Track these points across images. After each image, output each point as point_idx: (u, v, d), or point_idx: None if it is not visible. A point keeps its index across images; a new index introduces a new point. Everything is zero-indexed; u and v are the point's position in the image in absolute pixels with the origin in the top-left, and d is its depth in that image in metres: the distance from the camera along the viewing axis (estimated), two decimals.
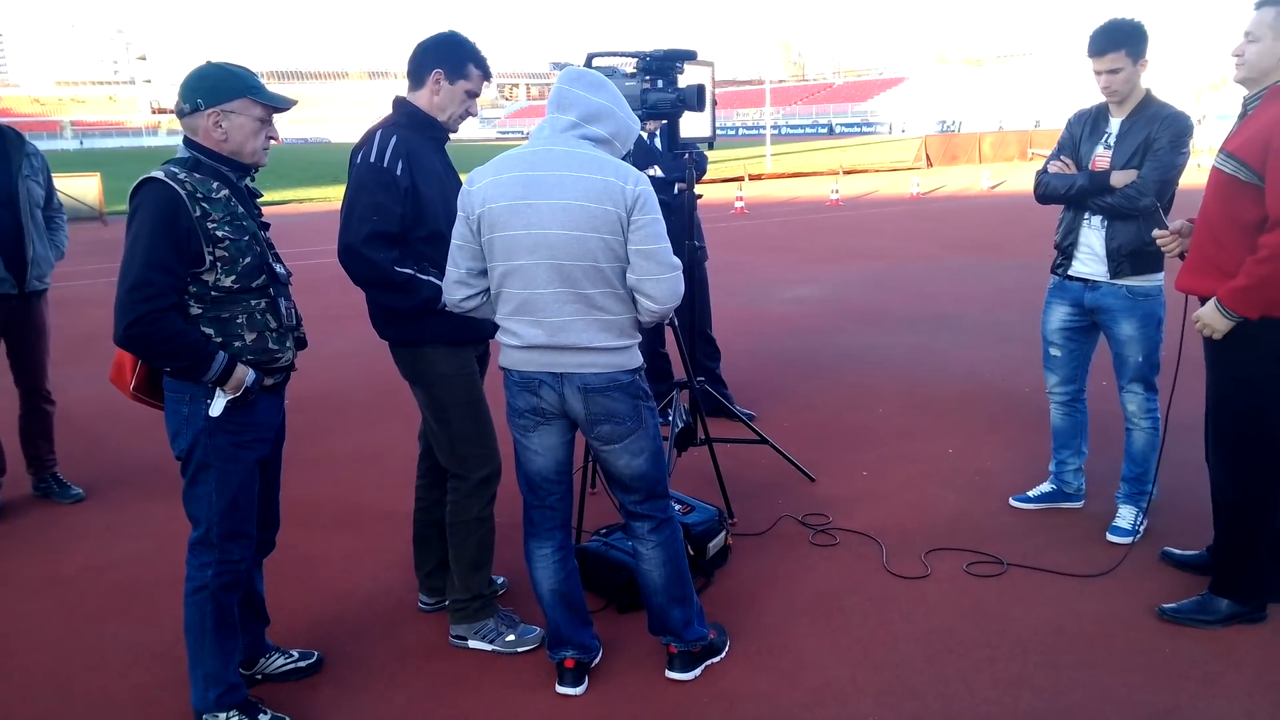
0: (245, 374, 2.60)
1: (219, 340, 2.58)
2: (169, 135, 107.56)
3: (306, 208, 21.66)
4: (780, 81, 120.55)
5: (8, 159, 4.35)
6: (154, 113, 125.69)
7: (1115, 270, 3.71)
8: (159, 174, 2.52)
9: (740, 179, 25.37)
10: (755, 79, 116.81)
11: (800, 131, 79.70)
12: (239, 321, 2.62)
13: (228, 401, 2.59)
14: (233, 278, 2.58)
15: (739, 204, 18.46)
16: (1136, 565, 3.63)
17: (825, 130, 77.57)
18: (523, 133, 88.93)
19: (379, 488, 4.73)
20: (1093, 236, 3.77)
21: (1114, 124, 3.73)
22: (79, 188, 18.17)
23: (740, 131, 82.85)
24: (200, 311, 2.57)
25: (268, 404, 2.74)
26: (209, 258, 2.53)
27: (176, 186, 2.50)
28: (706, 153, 5.09)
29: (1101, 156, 3.73)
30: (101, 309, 9.25)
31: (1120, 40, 3.56)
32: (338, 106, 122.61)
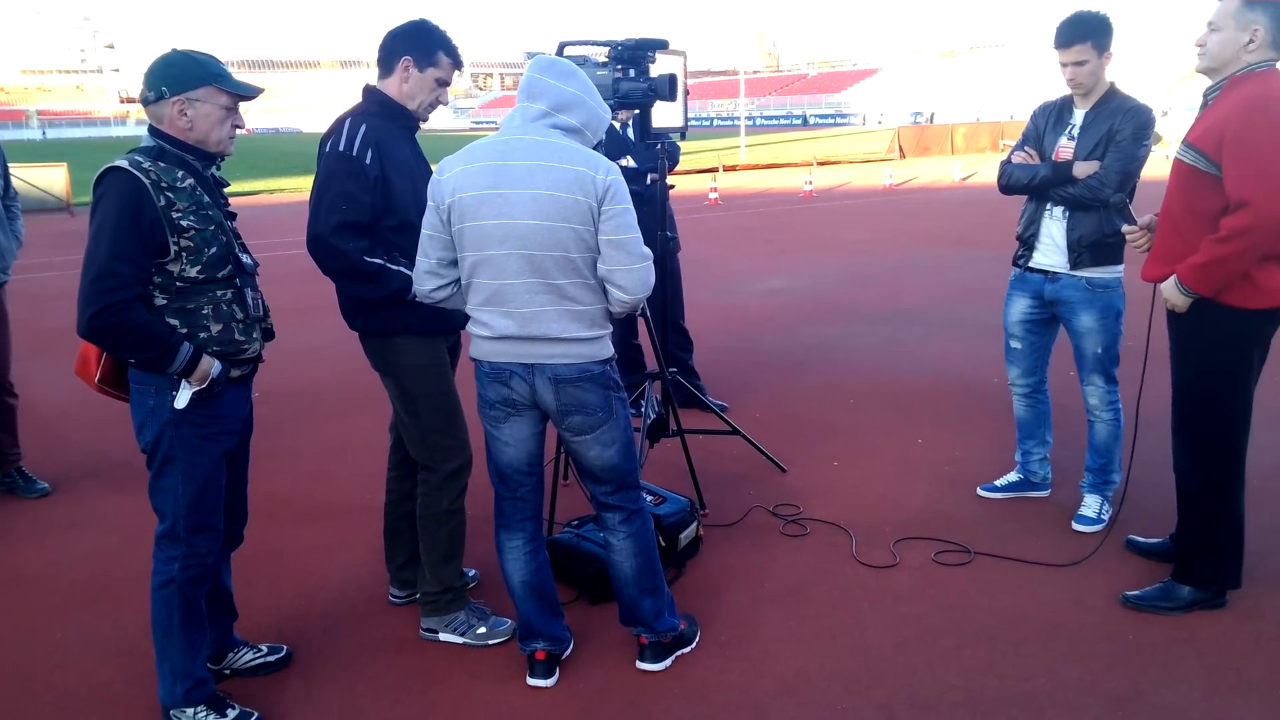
0: (211, 365, 2.58)
1: (184, 331, 2.56)
2: (137, 125, 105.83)
3: (277, 198, 21.44)
4: (755, 72, 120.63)
5: None
6: (122, 102, 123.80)
7: (1075, 261, 3.75)
8: (123, 163, 2.49)
9: (715, 170, 25.38)
10: (730, 69, 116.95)
11: (774, 122, 79.83)
12: (204, 312, 2.59)
13: (193, 393, 2.57)
14: (198, 268, 2.55)
15: (713, 195, 18.48)
16: (1102, 553, 3.67)
17: (799, 121, 77.73)
18: (496, 123, 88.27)
19: (349, 481, 4.71)
20: (1054, 227, 3.81)
21: (1078, 115, 3.77)
22: (45, 178, 17.88)
23: (715, 122, 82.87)
24: (165, 302, 2.54)
25: (235, 396, 2.71)
26: (174, 248, 2.50)
27: (140, 176, 2.47)
28: (679, 143, 5.09)
29: (1065, 147, 3.76)
30: (68, 301, 9.08)
31: (1086, 32, 3.59)
32: (309, 96, 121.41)
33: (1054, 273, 3.84)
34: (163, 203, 2.48)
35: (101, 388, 2.67)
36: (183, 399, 2.56)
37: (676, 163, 5.05)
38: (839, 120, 73.97)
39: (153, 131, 2.60)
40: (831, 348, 7.15)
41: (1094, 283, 3.76)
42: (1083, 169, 3.66)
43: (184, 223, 2.51)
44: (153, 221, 2.46)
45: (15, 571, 3.83)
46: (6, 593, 3.65)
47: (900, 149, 31.59)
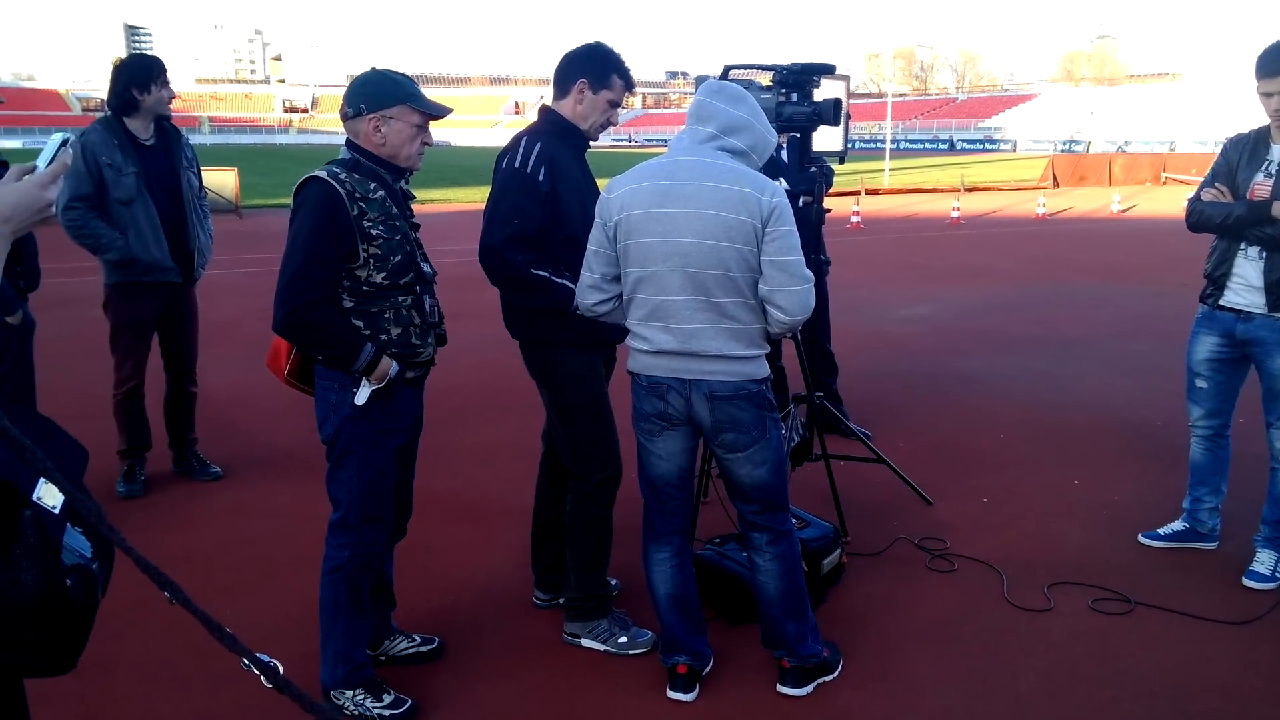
0: (389, 366, 2.72)
1: (367, 332, 2.70)
2: (299, 134, 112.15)
3: (426, 208, 22.25)
4: (901, 95, 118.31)
5: (170, 151, 4.59)
6: (286, 111, 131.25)
7: (1274, 303, 3.54)
8: (321, 173, 2.66)
9: (857, 193, 25.00)
10: (876, 91, 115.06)
11: (919, 146, 77.94)
12: (386, 316, 2.74)
13: (372, 391, 2.71)
14: (383, 274, 2.70)
15: (855, 218, 18.20)
16: (1276, 614, 3.44)
17: (946, 146, 75.74)
18: (631, 139, 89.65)
19: (496, 482, 4.85)
20: (1249, 268, 3.61)
21: (1275, 152, 3.56)
22: (216, 181, 19.12)
23: (857, 144, 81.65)
24: (352, 305, 2.70)
25: (408, 395, 2.85)
26: (363, 254, 2.66)
27: (337, 185, 2.63)
28: (835, 166, 5.06)
29: (1261, 185, 3.56)
30: (236, 299, 9.70)
31: None
32: (459, 111, 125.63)
33: (1247, 312, 3.64)
34: (355, 212, 2.64)
35: (290, 381, 2.85)
36: (362, 396, 2.71)
37: (830, 186, 5.02)
38: (988, 146, 71.72)
39: (349, 145, 2.77)
40: (979, 378, 6.94)
41: None
42: None
43: (373, 231, 2.66)
44: (345, 229, 2.62)
45: (187, 549, 4.09)
46: (177, 568, 3.89)
47: (1054, 178, 30.38)
